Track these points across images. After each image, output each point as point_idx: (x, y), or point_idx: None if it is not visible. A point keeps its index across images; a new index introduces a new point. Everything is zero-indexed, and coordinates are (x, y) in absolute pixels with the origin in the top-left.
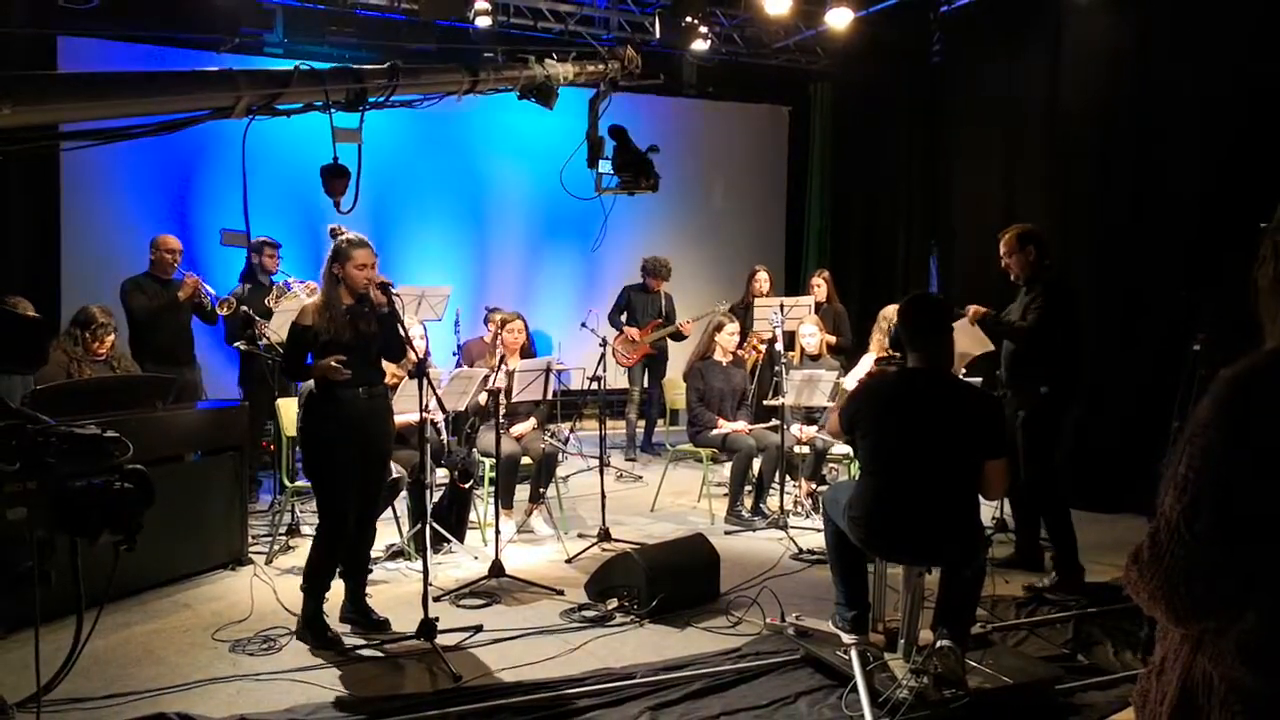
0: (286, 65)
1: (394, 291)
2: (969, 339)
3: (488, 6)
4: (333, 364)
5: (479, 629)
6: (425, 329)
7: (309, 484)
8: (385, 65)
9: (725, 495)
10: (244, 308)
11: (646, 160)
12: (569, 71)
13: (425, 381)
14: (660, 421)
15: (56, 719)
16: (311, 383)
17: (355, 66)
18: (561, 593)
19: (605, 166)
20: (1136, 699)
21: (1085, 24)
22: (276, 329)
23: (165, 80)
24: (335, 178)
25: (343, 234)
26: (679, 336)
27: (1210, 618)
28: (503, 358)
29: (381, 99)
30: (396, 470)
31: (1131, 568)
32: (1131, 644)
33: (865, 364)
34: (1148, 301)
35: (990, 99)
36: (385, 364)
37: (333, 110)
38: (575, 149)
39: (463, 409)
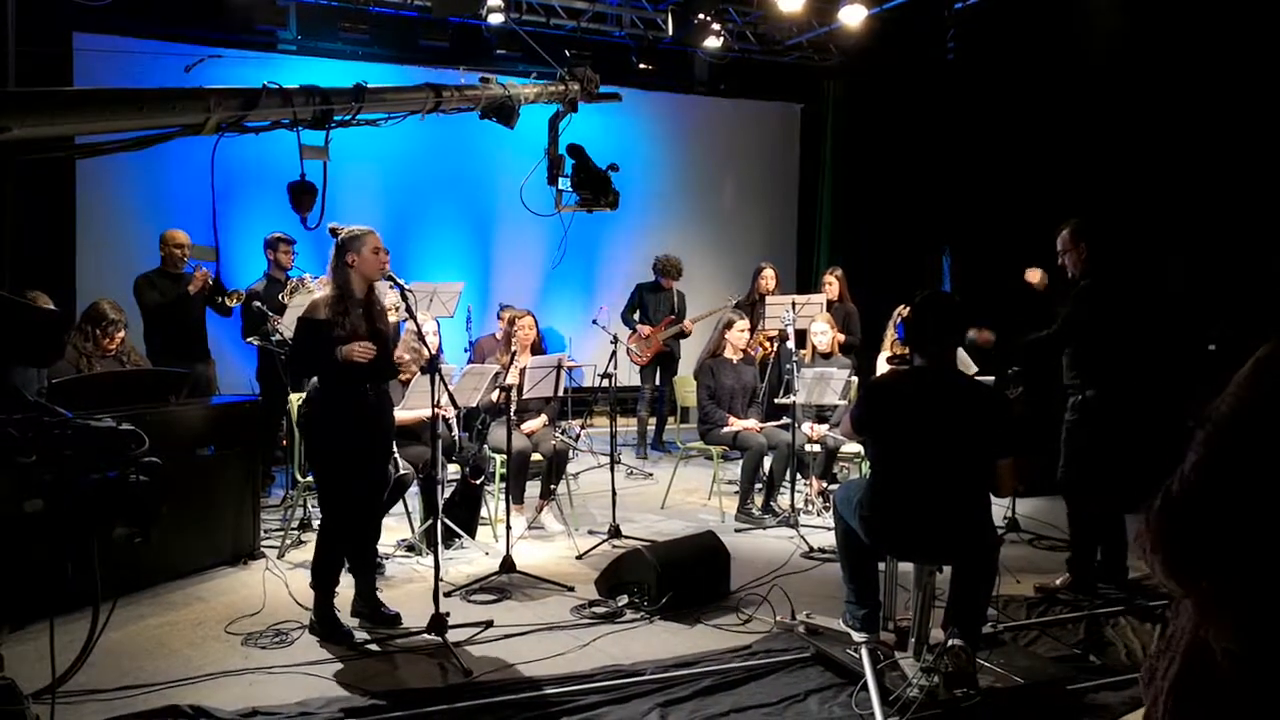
0: (299, 63)
1: (408, 289)
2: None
3: (500, 4)
4: (358, 349)
5: (489, 624)
6: (438, 325)
7: (314, 478)
8: (351, 86)
9: (736, 493)
10: (257, 304)
11: (605, 178)
12: (530, 92)
13: (437, 378)
14: (671, 419)
15: (71, 710)
16: (317, 379)
17: (322, 86)
18: (572, 589)
19: (565, 184)
20: (1144, 675)
21: (1101, 20)
22: (289, 324)
23: (141, 97)
24: (303, 194)
25: (345, 228)
26: (682, 335)
27: (1205, 573)
28: (514, 354)
29: (347, 118)
30: (404, 466)
31: (1140, 519)
32: (1144, 643)
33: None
34: (1163, 302)
35: (1004, 96)
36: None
37: (300, 128)
38: (534, 166)
39: (474, 405)
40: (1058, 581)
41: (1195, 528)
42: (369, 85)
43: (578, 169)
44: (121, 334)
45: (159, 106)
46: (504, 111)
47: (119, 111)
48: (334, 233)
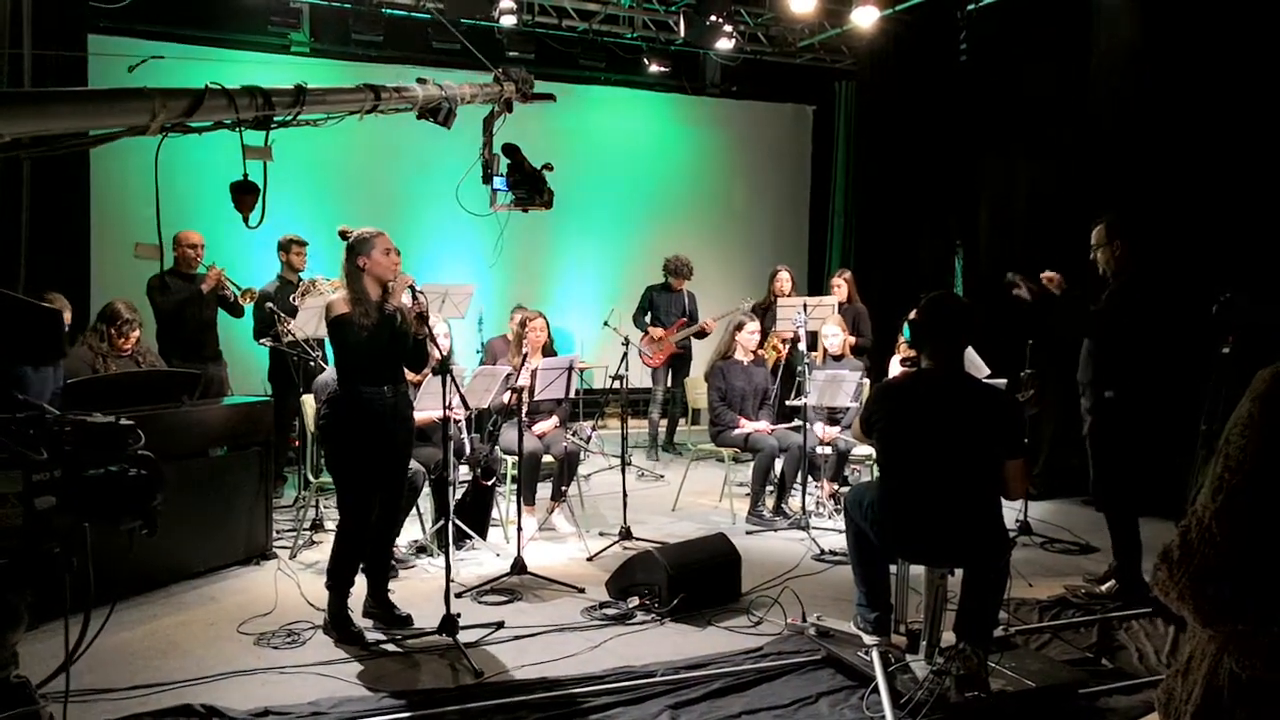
0: (312, 65)
1: (419, 290)
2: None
3: (513, 5)
4: None
5: (500, 625)
6: (449, 327)
7: (332, 480)
8: (292, 87)
9: (747, 495)
10: (269, 305)
11: (539, 178)
12: (466, 92)
13: (449, 379)
14: (682, 421)
15: (83, 709)
16: (335, 380)
17: (264, 87)
18: (583, 590)
19: (500, 184)
20: (1160, 697)
21: (1115, 23)
22: (302, 325)
23: (86, 98)
24: (244, 194)
25: (355, 230)
26: (702, 334)
27: (1238, 620)
28: (525, 355)
29: (288, 118)
30: (414, 466)
31: (1161, 567)
32: (1156, 648)
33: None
34: (1177, 303)
35: (1017, 99)
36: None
37: (242, 128)
38: (471, 165)
39: (486, 406)
40: (1103, 588)
41: (1225, 582)
42: (310, 86)
43: (512, 168)
44: (136, 333)
45: (104, 107)
46: (440, 112)
47: (66, 111)
48: (344, 235)
